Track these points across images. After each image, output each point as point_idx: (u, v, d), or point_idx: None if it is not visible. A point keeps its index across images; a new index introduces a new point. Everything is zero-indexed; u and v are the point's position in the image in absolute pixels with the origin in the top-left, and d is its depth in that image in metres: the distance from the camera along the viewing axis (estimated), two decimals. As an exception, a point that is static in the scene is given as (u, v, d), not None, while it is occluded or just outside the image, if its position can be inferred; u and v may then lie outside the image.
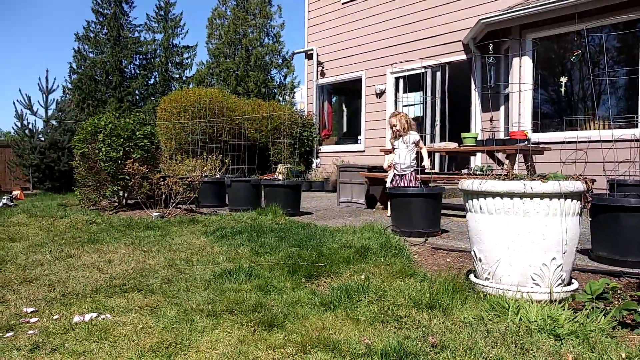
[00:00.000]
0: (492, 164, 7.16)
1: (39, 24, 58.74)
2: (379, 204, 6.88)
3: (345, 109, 13.09)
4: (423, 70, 9.60)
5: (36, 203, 8.73)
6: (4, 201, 9.02)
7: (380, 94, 10.83)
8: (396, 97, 10.61)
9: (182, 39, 29.39)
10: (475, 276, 3.05)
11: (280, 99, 27.46)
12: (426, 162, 5.86)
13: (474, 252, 3.02)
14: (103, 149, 6.90)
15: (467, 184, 3.00)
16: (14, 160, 13.93)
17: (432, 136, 9.60)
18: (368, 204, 7.00)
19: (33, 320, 2.76)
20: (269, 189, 6.36)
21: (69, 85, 25.92)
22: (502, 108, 8.81)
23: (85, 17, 38.86)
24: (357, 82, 11.40)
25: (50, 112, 14.68)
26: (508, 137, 6.41)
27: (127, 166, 6.72)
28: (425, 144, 6.12)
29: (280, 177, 10.23)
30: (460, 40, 9.41)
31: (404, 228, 4.55)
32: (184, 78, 29.12)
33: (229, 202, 6.99)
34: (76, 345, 2.38)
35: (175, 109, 13.21)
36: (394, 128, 5.88)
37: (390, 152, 6.51)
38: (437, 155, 9.51)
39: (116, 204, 7.60)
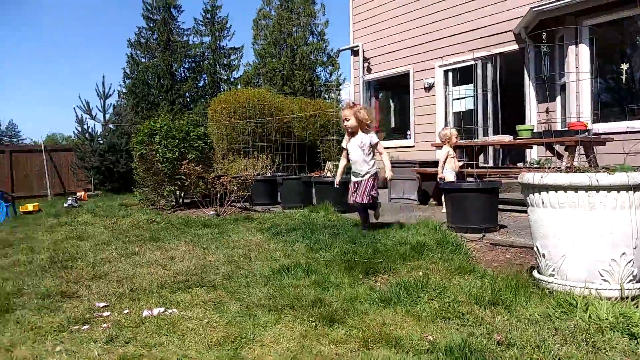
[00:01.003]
0: (549, 156, 6.91)
1: (95, 32, 61.63)
2: (432, 199, 6.79)
3: (392, 105, 12.97)
4: (473, 62, 9.37)
5: (99, 203, 9.16)
6: (70, 202, 9.54)
7: (429, 88, 10.66)
8: (445, 90, 10.42)
9: (229, 40, 29.89)
10: (538, 272, 2.97)
11: (326, 96, 27.55)
12: (388, 171, 4.69)
13: (537, 247, 2.94)
14: (160, 150, 7.16)
15: (528, 177, 2.92)
16: (77, 163, 14.66)
17: (485, 129, 9.35)
18: (420, 200, 6.92)
19: (105, 314, 2.91)
20: (320, 186, 6.41)
21: (124, 90, 26.95)
22: (558, 98, 8.47)
23: (136, 24, 40.20)
24: (405, 76, 11.27)
25: (107, 116, 15.35)
26: (566, 129, 6.17)
27: (182, 166, 6.95)
28: (477, 138, 5.83)
29: (329, 174, 10.28)
30: (511, 30, 9.12)
31: (460, 224, 4.47)
32: (232, 79, 29.69)
33: (281, 199, 7.10)
34: (147, 338, 2.49)
35: (225, 110, 13.51)
36: (345, 123, 4.66)
37: (441, 147, 6.39)
38: (490, 149, 9.27)
39: (173, 203, 7.87)
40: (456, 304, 2.67)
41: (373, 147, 4.69)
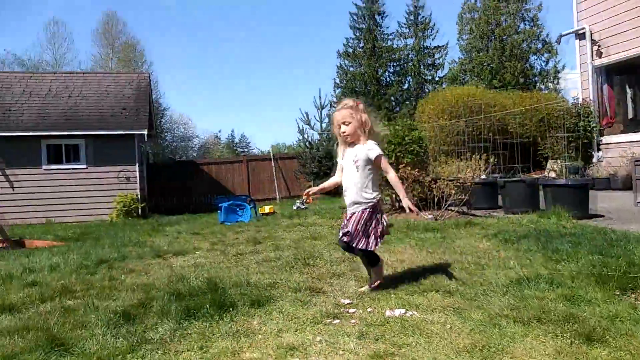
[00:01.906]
0: None
1: (308, 49, 68.03)
2: (695, 203, 5.68)
3: (630, 92, 11.23)
4: None
5: (322, 206, 10.05)
6: (298, 204, 10.69)
7: (680, 69, 8.94)
8: None
9: (432, 40, 29.66)
10: None
11: (542, 87, 25.27)
12: (404, 199, 3.44)
13: None
14: (377, 156, 7.51)
15: None
16: (299, 169, 16.38)
17: None
18: (678, 203, 5.85)
19: (351, 311, 3.16)
20: (550, 189, 5.91)
21: (334, 99, 28.99)
22: None
23: (344, 35, 42.85)
24: (646, 58, 9.66)
25: (324, 126, 16.76)
26: None
27: (399, 170, 7.15)
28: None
29: (552, 174, 9.42)
30: None
31: None
32: (437, 79, 29.44)
33: (502, 203, 6.77)
34: (394, 338, 2.63)
35: (433, 111, 13.48)
36: (343, 128, 3.43)
37: None
38: None
39: (389, 206, 8.16)
40: None
41: (373, 163, 3.40)
